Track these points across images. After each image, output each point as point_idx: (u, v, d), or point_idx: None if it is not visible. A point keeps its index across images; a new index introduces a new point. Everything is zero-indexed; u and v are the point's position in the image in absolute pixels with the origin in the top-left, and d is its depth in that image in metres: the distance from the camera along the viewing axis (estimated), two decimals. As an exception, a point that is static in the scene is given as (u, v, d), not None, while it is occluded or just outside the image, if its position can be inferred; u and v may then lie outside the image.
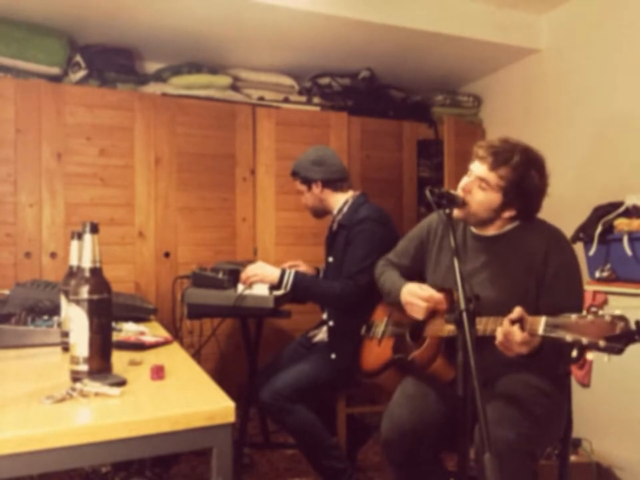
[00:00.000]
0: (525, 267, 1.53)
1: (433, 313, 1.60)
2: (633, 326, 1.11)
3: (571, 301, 1.48)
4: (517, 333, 1.28)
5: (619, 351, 1.11)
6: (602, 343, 1.12)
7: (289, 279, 2.12)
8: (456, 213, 1.55)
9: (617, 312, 1.15)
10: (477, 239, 1.63)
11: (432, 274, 1.73)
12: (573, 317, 1.19)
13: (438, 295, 1.57)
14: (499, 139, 1.57)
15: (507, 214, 1.55)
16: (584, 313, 1.20)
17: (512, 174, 1.50)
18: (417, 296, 1.60)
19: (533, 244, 1.54)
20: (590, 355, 1.16)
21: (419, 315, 1.62)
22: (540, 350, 1.33)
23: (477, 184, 1.53)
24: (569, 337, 1.17)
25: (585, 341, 1.14)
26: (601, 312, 1.16)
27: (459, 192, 1.56)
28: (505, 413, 1.39)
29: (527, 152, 1.54)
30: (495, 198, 1.52)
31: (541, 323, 1.25)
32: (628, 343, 1.11)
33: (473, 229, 1.65)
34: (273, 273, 2.14)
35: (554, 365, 1.54)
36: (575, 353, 1.20)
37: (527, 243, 1.55)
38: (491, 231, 1.61)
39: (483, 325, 1.41)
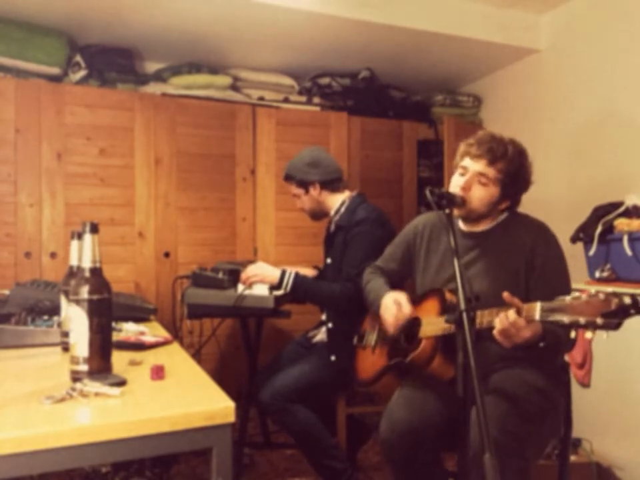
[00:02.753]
0: (514, 260, 1.56)
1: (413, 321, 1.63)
2: (627, 300, 1.12)
3: (560, 289, 1.50)
4: (514, 316, 1.30)
5: (617, 326, 1.13)
6: (599, 321, 1.13)
7: (289, 279, 2.11)
8: (456, 211, 1.56)
9: (610, 289, 1.17)
10: (466, 236, 1.65)
11: (421, 276, 1.74)
12: (568, 298, 1.20)
13: (405, 311, 1.61)
14: (485, 134, 1.59)
15: (503, 205, 1.60)
16: (577, 294, 1.21)
17: (509, 166, 1.53)
18: (389, 312, 1.64)
19: (520, 237, 1.58)
20: (589, 334, 1.17)
21: (389, 325, 1.65)
22: (542, 338, 1.34)
23: (477, 180, 1.54)
24: (566, 319, 1.19)
25: (582, 320, 1.16)
26: (593, 291, 1.18)
27: (457, 190, 1.56)
28: (495, 410, 1.39)
29: (515, 143, 1.58)
30: (494, 192, 1.55)
31: (537, 309, 1.26)
32: (624, 317, 1.12)
33: (462, 227, 1.67)
34: (273, 273, 2.14)
35: (553, 353, 1.55)
36: (573, 334, 1.21)
37: (515, 236, 1.59)
38: (481, 226, 1.64)
39: (479, 317, 1.42)
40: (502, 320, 1.32)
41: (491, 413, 1.36)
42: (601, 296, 1.15)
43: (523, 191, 1.61)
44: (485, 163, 1.53)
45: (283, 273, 2.13)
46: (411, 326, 1.66)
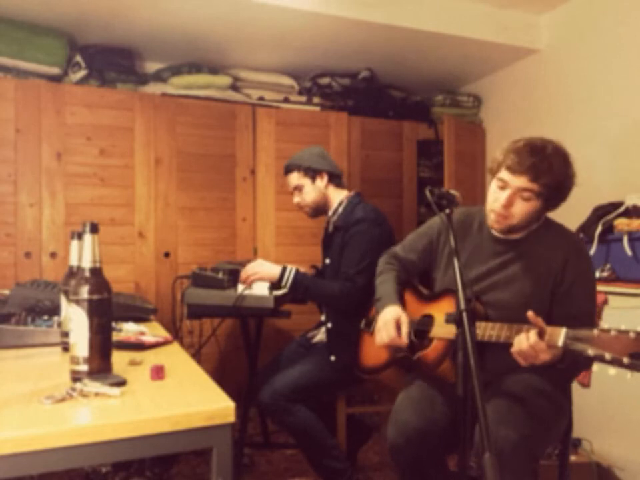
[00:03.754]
0: (541, 273, 1.51)
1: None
2: None
3: (584, 308, 1.49)
4: (534, 338, 1.27)
5: None
6: (626, 360, 1.10)
7: (290, 276, 2.11)
8: (496, 227, 1.52)
9: None
10: (497, 241, 1.59)
11: (442, 274, 1.70)
12: (595, 330, 1.17)
13: (401, 342, 1.59)
14: (525, 145, 1.45)
15: (545, 213, 1.53)
16: (605, 326, 1.18)
17: (554, 180, 1.44)
18: (386, 331, 1.61)
19: (552, 250, 1.52)
20: (612, 371, 1.14)
21: (379, 341, 1.63)
22: (561, 361, 1.32)
23: (519, 195, 1.46)
24: (590, 351, 1.15)
25: (608, 356, 1.12)
26: (623, 327, 1.14)
27: (496, 206, 1.49)
28: (509, 413, 1.39)
29: (559, 152, 1.46)
30: (537, 205, 1.47)
31: (561, 335, 1.23)
32: None
33: (493, 231, 1.60)
34: (273, 270, 2.13)
35: (569, 376, 1.55)
36: (596, 367, 1.19)
37: (547, 248, 1.53)
38: (512, 234, 1.57)
39: (497, 330, 1.39)
40: (521, 341, 1.30)
41: (507, 416, 1.37)
42: (632, 334, 1.11)
43: (566, 198, 1.50)
44: (527, 179, 1.42)
45: (284, 270, 2.12)
46: (424, 323, 1.65)
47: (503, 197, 1.47)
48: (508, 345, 1.36)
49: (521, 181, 1.43)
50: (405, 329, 1.59)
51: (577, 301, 1.48)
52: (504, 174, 1.46)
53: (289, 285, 2.10)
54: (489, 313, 1.51)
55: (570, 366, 1.36)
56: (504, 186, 1.47)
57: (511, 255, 1.56)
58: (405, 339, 1.58)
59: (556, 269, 1.50)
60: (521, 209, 1.47)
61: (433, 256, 1.75)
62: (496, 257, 1.58)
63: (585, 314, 1.47)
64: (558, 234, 1.56)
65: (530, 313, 1.29)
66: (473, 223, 1.65)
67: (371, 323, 1.92)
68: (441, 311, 1.59)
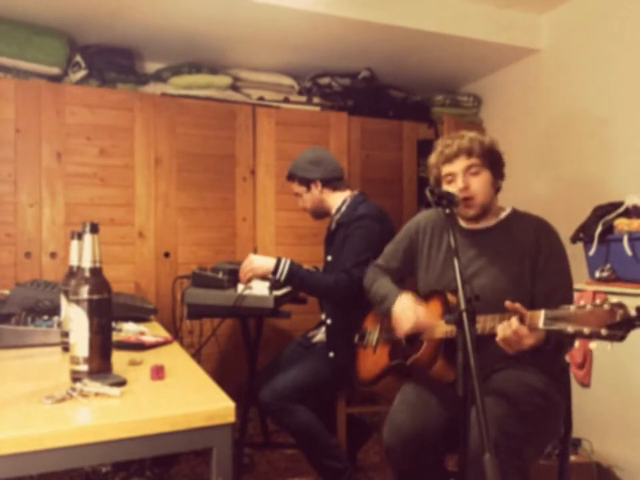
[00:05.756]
0: (517, 255, 1.57)
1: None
2: (632, 312, 1.12)
3: (562, 280, 1.56)
4: (516, 324, 1.30)
5: (621, 338, 1.13)
6: (604, 332, 1.14)
7: (284, 268, 2.10)
8: (471, 213, 1.60)
9: (614, 300, 1.17)
10: (467, 234, 1.65)
11: (424, 274, 1.73)
12: (572, 308, 1.21)
13: (425, 324, 1.58)
14: (445, 139, 1.66)
15: (498, 184, 1.64)
16: (582, 303, 1.22)
17: (484, 147, 1.59)
18: (410, 314, 1.60)
19: (522, 232, 1.59)
20: (593, 345, 1.18)
21: (401, 331, 1.61)
22: (547, 342, 1.34)
23: (468, 174, 1.58)
24: (570, 329, 1.19)
25: (586, 331, 1.16)
26: (598, 301, 1.18)
27: (461, 194, 1.56)
28: (491, 411, 1.38)
29: (471, 130, 1.66)
30: (488, 175, 1.60)
31: (540, 317, 1.26)
32: (629, 329, 1.12)
33: (463, 224, 1.67)
34: (267, 263, 2.11)
35: (557, 356, 1.56)
36: (577, 344, 1.22)
37: (517, 232, 1.60)
38: (482, 224, 1.64)
39: (482, 323, 1.41)
40: (504, 328, 1.33)
41: (489, 413, 1.36)
42: (606, 306, 1.15)
43: (504, 162, 1.66)
44: (464, 158, 1.58)
45: (278, 261, 2.11)
46: None
47: (458, 183, 1.58)
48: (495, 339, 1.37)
49: (460, 163, 1.58)
50: (422, 314, 1.59)
51: (555, 274, 1.54)
52: (445, 168, 1.61)
53: (283, 276, 2.09)
54: (474, 304, 1.52)
55: (556, 346, 1.39)
56: (452, 179, 1.60)
57: (482, 246, 1.62)
58: (426, 322, 1.58)
59: (529, 247, 1.56)
60: (477, 183, 1.58)
61: (414, 257, 1.79)
62: (472, 247, 1.63)
63: (563, 286, 1.54)
64: (525, 218, 1.65)
65: (507, 303, 1.32)
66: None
67: (364, 337, 1.92)
68: (428, 313, 1.60)
